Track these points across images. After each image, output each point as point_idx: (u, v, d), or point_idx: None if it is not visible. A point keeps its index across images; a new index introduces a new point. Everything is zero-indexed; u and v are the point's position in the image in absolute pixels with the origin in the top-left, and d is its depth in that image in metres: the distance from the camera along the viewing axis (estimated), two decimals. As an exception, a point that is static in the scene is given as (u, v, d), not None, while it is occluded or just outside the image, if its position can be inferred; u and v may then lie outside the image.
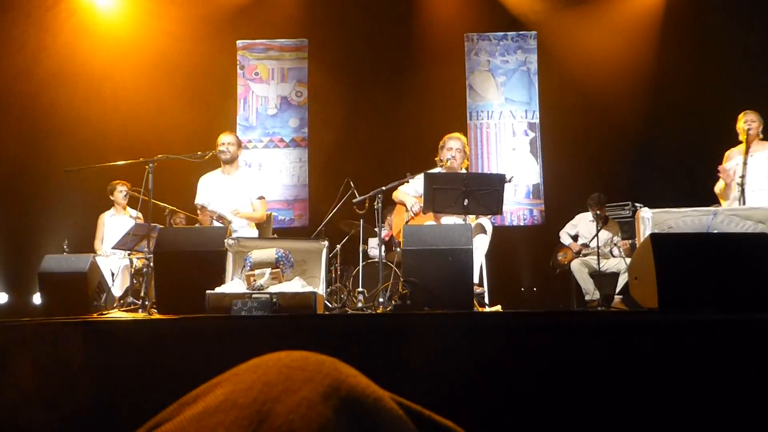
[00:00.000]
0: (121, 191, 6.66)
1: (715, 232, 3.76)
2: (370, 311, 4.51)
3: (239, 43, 9.14)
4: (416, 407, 0.57)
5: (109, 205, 6.80)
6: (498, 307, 4.84)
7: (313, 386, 0.46)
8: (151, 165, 4.90)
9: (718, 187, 5.42)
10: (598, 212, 6.63)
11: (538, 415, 2.42)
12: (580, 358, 2.49)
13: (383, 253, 4.92)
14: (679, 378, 2.39)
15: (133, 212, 6.63)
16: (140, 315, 4.19)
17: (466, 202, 4.47)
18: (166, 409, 0.47)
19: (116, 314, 4.30)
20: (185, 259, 3.88)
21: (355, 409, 0.47)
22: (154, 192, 4.92)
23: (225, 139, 5.37)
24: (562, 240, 7.08)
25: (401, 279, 3.90)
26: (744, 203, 4.96)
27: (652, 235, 2.83)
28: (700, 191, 5.56)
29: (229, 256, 3.96)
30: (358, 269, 6.30)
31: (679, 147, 7.47)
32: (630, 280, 3.22)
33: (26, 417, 2.46)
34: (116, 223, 6.59)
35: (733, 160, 5.33)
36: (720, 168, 5.35)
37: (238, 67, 9.13)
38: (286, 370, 0.49)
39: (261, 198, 5.40)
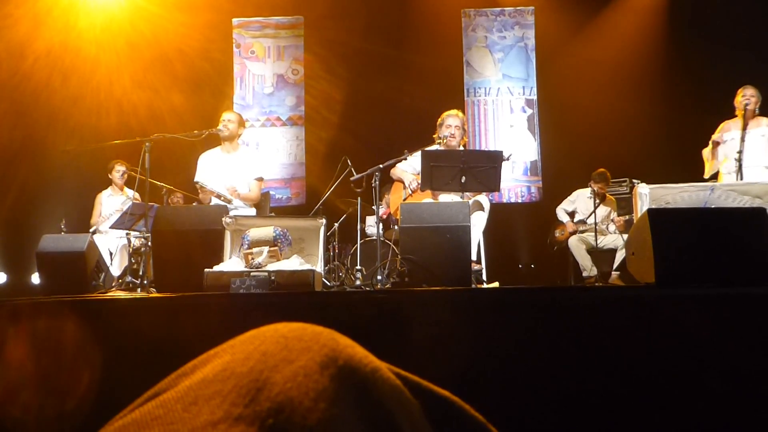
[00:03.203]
0: (119, 170, 6.65)
1: (712, 207, 3.77)
2: (368, 289, 4.52)
3: (235, 21, 9.05)
4: (414, 378, 0.57)
5: (106, 184, 6.79)
6: (496, 284, 4.86)
7: (310, 356, 0.47)
8: (147, 144, 4.89)
9: (707, 151, 5.42)
10: (598, 189, 6.65)
11: (535, 389, 2.44)
12: (577, 334, 2.50)
13: (381, 231, 4.93)
14: (675, 352, 2.40)
15: (131, 192, 6.62)
16: (139, 294, 4.20)
17: (463, 179, 4.47)
18: (164, 380, 0.47)
19: (115, 293, 4.30)
20: (183, 237, 3.89)
21: (353, 378, 0.47)
22: (152, 172, 4.92)
23: (226, 116, 5.36)
24: (558, 216, 7.09)
25: (399, 256, 3.91)
26: (741, 178, 4.96)
27: (650, 210, 2.83)
28: (698, 167, 5.56)
29: (227, 235, 3.96)
30: (356, 247, 6.30)
31: (677, 123, 7.44)
32: (627, 255, 3.23)
33: (23, 397, 2.47)
34: (113, 202, 6.58)
35: (728, 133, 5.32)
36: (713, 138, 5.35)
37: (234, 45, 9.06)
38: (284, 341, 0.49)
39: (259, 179, 5.38)
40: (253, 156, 5.69)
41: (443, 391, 0.59)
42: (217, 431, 0.38)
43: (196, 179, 5.33)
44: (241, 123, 5.47)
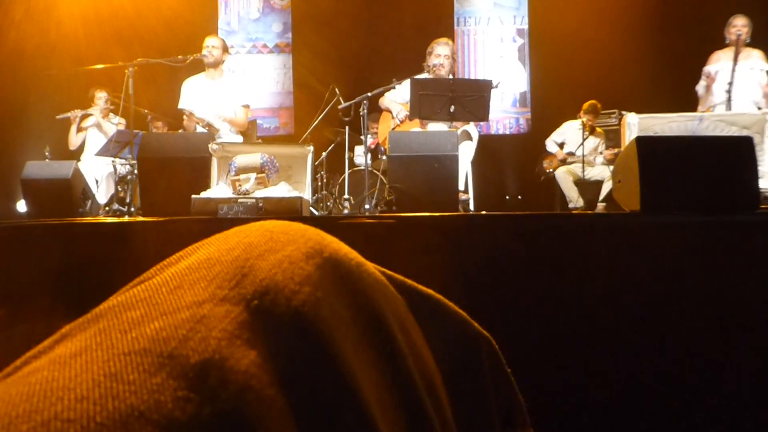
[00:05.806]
0: (100, 97, 6.52)
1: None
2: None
3: (219, -58, 8.77)
4: (398, 276, 0.58)
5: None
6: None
7: (296, 246, 0.47)
8: (131, 69, 4.80)
9: (701, 86, 5.37)
10: (587, 120, 6.62)
11: (520, 315, 2.48)
12: (562, 260, 2.53)
13: (369, 161, 4.91)
14: (659, 279, 2.44)
15: (115, 119, 6.52)
16: (126, 219, 4.19)
17: (452, 108, 4.44)
18: (149, 270, 0.47)
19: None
20: (170, 164, 3.86)
21: (338, 269, 0.47)
22: (134, 98, 4.84)
23: (209, 42, 5.23)
24: (548, 148, 7.08)
25: (387, 186, 3.92)
26: (730, 110, 4.94)
27: (638, 138, 2.83)
28: (688, 98, 5.53)
29: (214, 162, 3.93)
30: (344, 177, 6.29)
31: (669, 54, 7.36)
32: (613, 183, 3.24)
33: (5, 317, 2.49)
34: (98, 130, 6.49)
35: (717, 63, 5.26)
36: (704, 71, 5.30)
37: (218, -33, 8.79)
38: (269, 234, 0.49)
39: (245, 106, 5.31)
40: (239, 82, 5.59)
41: (427, 289, 0.59)
42: (203, 309, 0.39)
43: (180, 106, 5.25)
44: (225, 48, 5.35)
